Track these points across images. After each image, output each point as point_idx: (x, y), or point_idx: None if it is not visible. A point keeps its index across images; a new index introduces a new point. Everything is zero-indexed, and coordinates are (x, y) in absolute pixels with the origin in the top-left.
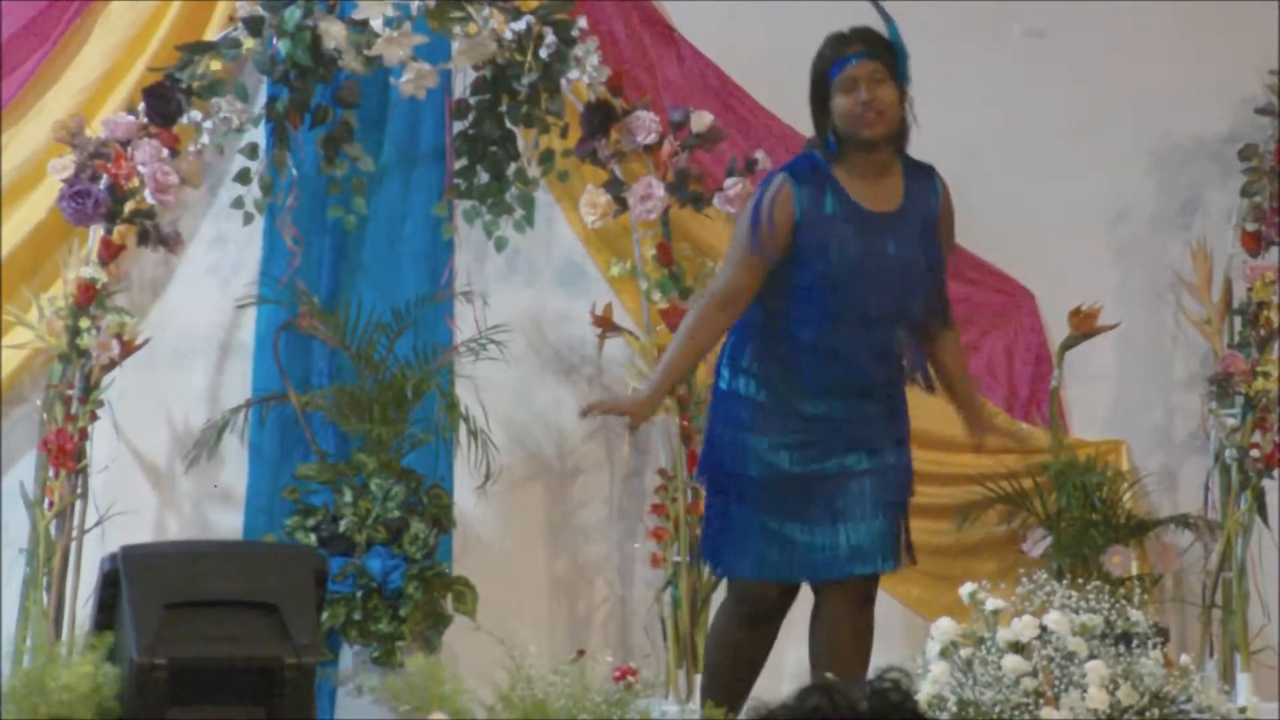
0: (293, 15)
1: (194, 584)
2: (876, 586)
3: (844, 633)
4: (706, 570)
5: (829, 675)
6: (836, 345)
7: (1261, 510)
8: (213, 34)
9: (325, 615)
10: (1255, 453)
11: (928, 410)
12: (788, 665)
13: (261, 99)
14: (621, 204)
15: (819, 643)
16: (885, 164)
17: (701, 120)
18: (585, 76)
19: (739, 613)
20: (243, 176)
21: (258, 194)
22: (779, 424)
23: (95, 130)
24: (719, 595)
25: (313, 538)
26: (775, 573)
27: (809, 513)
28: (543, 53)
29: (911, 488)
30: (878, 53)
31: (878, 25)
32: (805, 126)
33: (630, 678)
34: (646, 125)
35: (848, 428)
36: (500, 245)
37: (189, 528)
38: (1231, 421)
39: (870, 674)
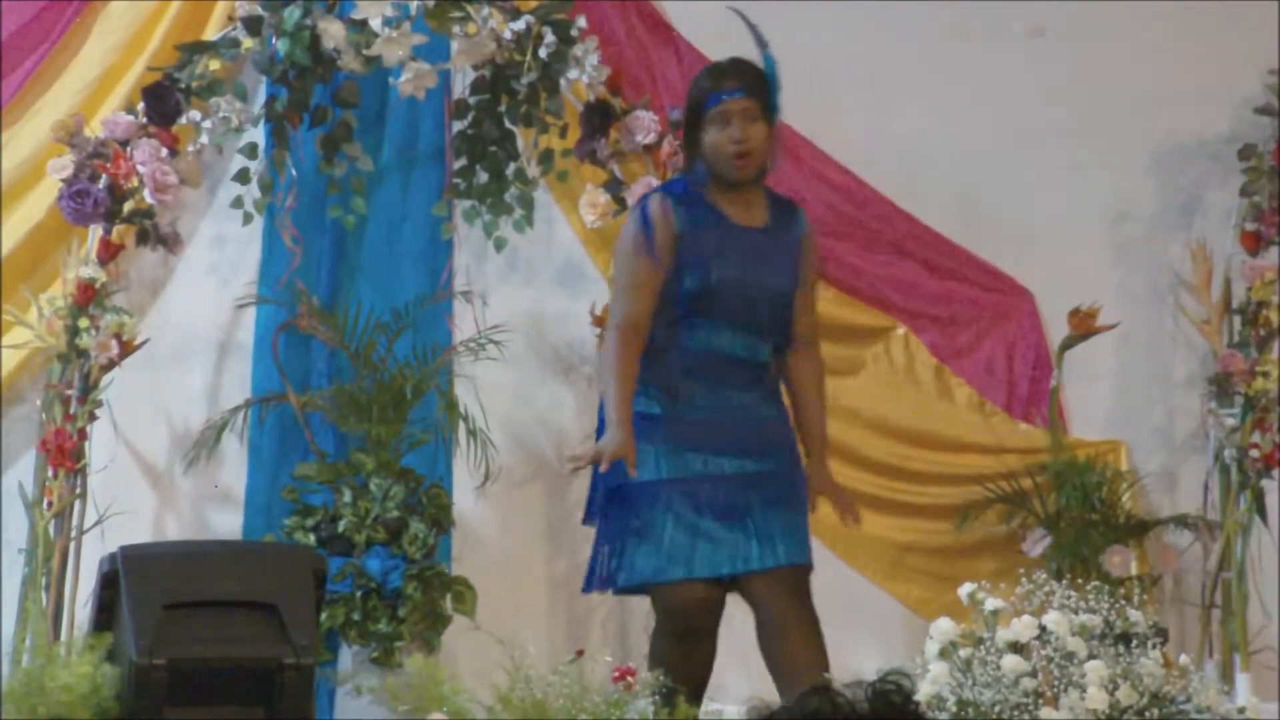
0: (292, 15)
1: (193, 584)
2: (808, 581)
3: (792, 633)
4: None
5: (791, 680)
6: (709, 349)
7: (1261, 510)
8: (212, 34)
9: (324, 615)
10: (1255, 452)
11: (928, 411)
12: None
13: (260, 99)
14: (621, 204)
15: (772, 652)
16: (750, 196)
17: None
18: (584, 76)
19: (671, 630)
20: (242, 176)
21: (257, 194)
22: (677, 431)
23: (94, 130)
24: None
25: (312, 538)
26: (704, 568)
27: (720, 508)
28: (542, 52)
29: (806, 495)
30: (753, 90)
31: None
32: (806, 127)
33: (629, 678)
34: (646, 125)
35: (742, 431)
36: (499, 245)
37: (188, 528)
38: (1231, 421)
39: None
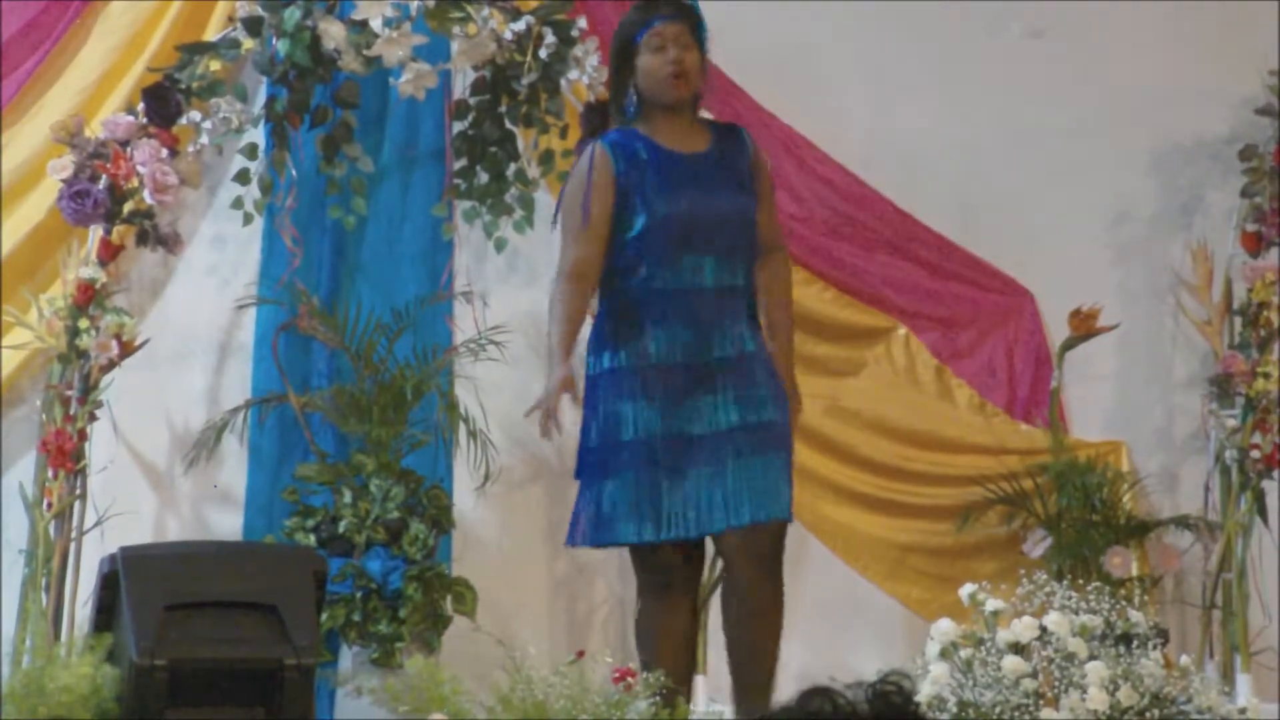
0: (292, 15)
1: (193, 585)
2: (781, 537)
3: (754, 599)
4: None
5: (737, 660)
6: (676, 286)
7: (1262, 511)
8: (212, 34)
9: (325, 616)
10: (1255, 453)
11: (929, 411)
12: (788, 665)
13: (261, 99)
14: None
15: (733, 615)
16: (687, 123)
17: None
18: (585, 77)
19: (650, 585)
20: (242, 177)
21: (257, 194)
22: (642, 384)
23: (94, 130)
24: (719, 596)
25: (312, 538)
26: (676, 529)
27: (692, 466)
28: (542, 53)
29: (790, 442)
30: (684, 16)
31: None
32: (806, 127)
33: (630, 679)
34: None
35: (707, 375)
36: (500, 246)
37: (188, 528)
38: (1232, 422)
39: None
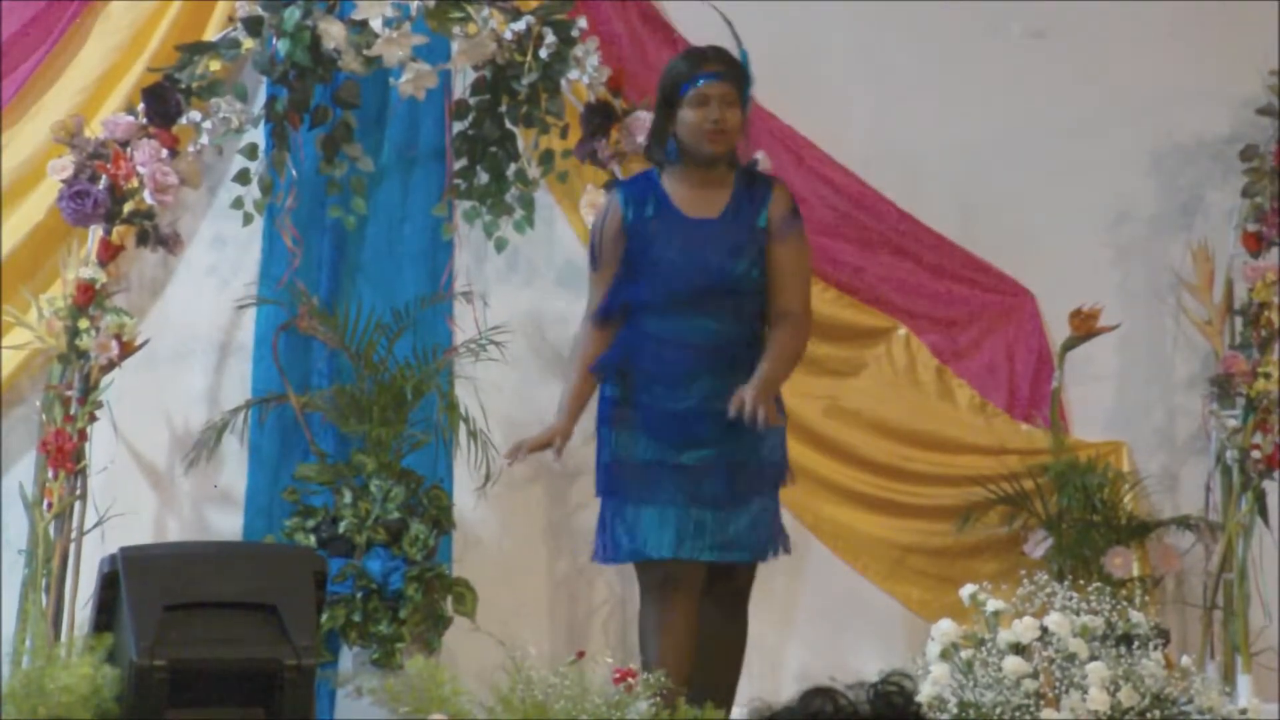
0: (292, 15)
1: (193, 585)
2: (751, 581)
3: (722, 629)
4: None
5: (705, 673)
6: (671, 336)
7: (1262, 511)
8: (212, 34)
9: (325, 617)
10: (1256, 454)
11: (929, 412)
12: (789, 666)
13: (261, 99)
14: None
15: (700, 639)
16: (719, 178)
17: None
18: (585, 77)
19: (654, 589)
20: (242, 177)
21: (257, 194)
22: (637, 419)
23: (94, 130)
24: None
25: (312, 539)
26: (690, 550)
27: (684, 498)
28: (542, 53)
29: (785, 478)
30: (732, 76)
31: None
32: (806, 126)
33: (630, 679)
34: (646, 125)
35: (702, 419)
36: (500, 246)
37: (188, 529)
38: (1233, 423)
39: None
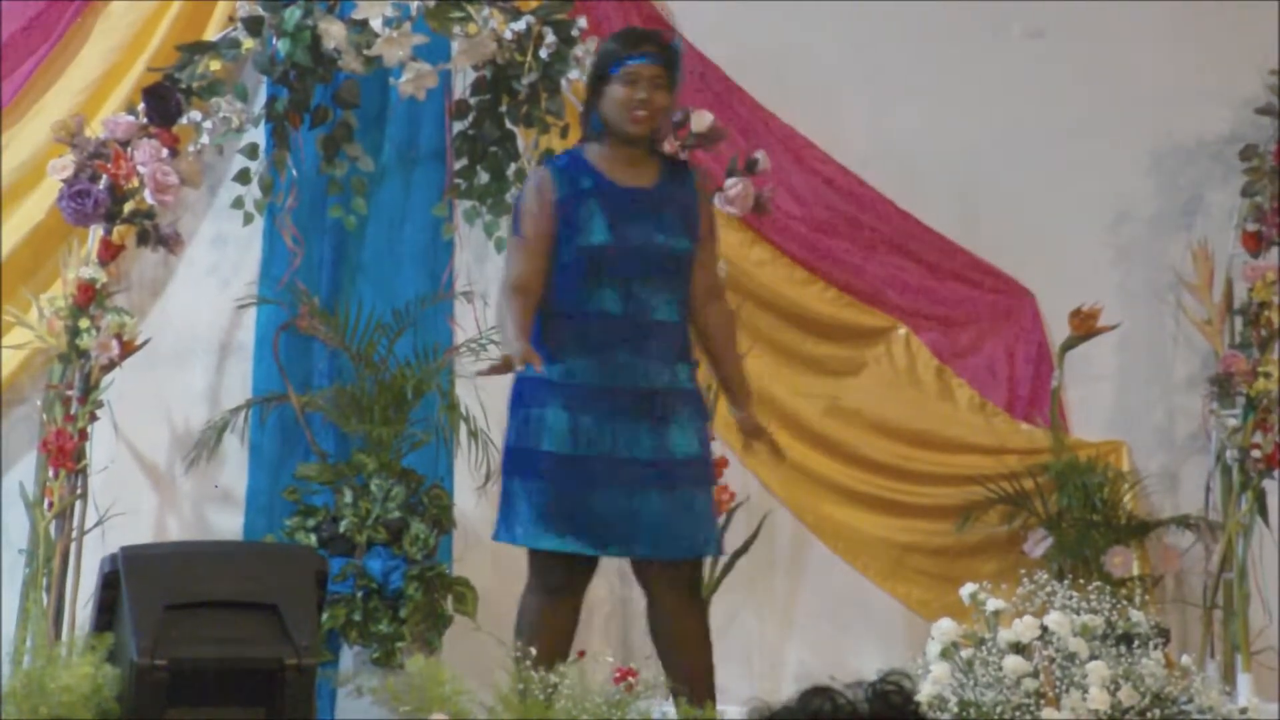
0: (292, 15)
1: (194, 585)
2: (700, 573)
3: (681, 624)
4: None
5: (678, 669)
6: (614, 314)
7: (1262, 511)
8: (212, 34)
9: (325, 616)
10: (1256, 453)
11: (929, 411)
12: (788, 665)
13: (261, 99)
14: None
15: (664, 637)
16: (640, 156)
17: (702, 120)
18: (585, 76)
19: (540, 585)
20: (242, 177)
21: (257, 194)
22: (569, 399)
23: (95, 130)
24: (720, 596)
25: (313, 538)
26: (578, 544)
27: (617, 488)
28: (543, 53)
29: (713, 476)
30: (664, 59)
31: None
32: (806, 127)
33: (631, 679)
34: None
35: (635, 402)
36: (500, 246)
37: (189, 528)
38: (1233, 422)
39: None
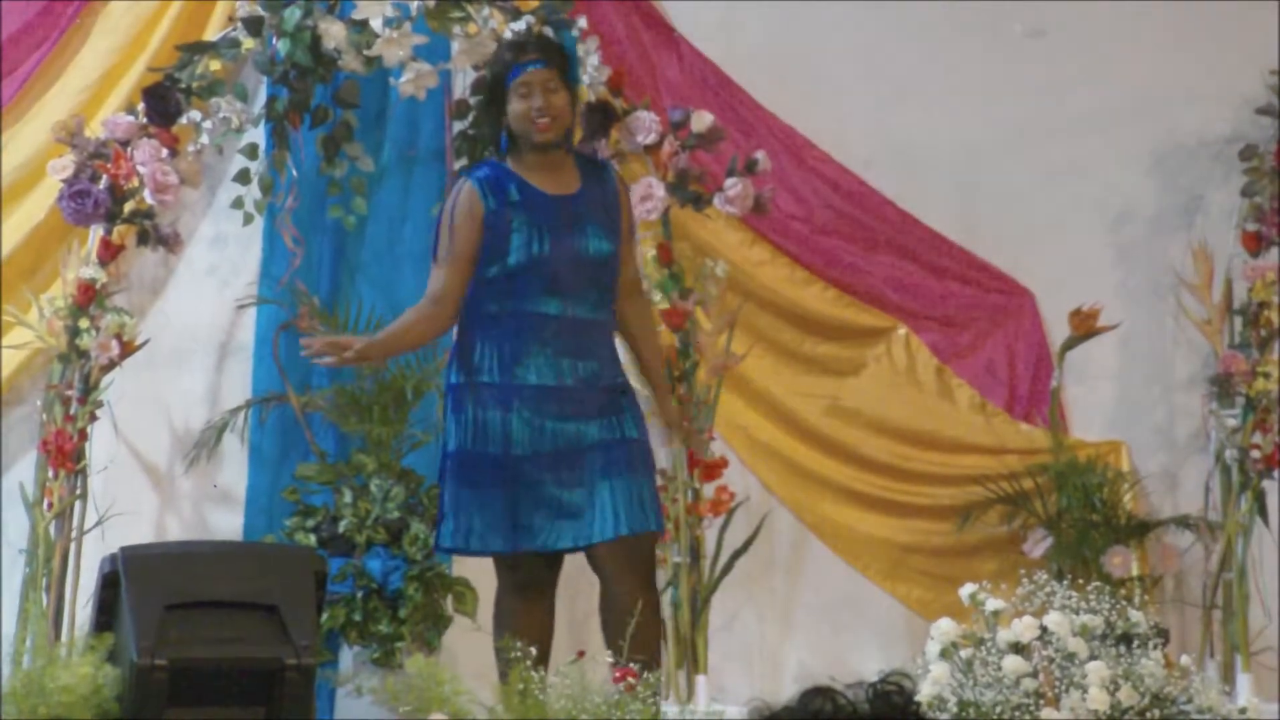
0: (292, 15)
1: (194, 585)
2: (651, 549)
3: (633, 600)
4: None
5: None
6: (546, 318)
7: (1262, 511)
8: (212, 34)
9: (325, 616)
10: (1256, 453)
11: (929, 411)
12: (788, 665)
13: (261, 99)
14: None
15: (618, 615)
16: (558, 160)
17: (702, 120)
18: (585, 77)
19: (508, 582)
20: (242, 177)
21: (257, 194)
22: (507, 400)
23: (95, 130)
24: (720, 596)
25: (312, 538)
26: (530, 542)
27: (557, 478)
28: None
29: (653, 461)
30: (552, 60)
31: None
32: (806, 127)
33: (630, 679)
34: (647, 125)
35: (576, 396)
36: None
37: (189, 528)
38: (1232, 422)
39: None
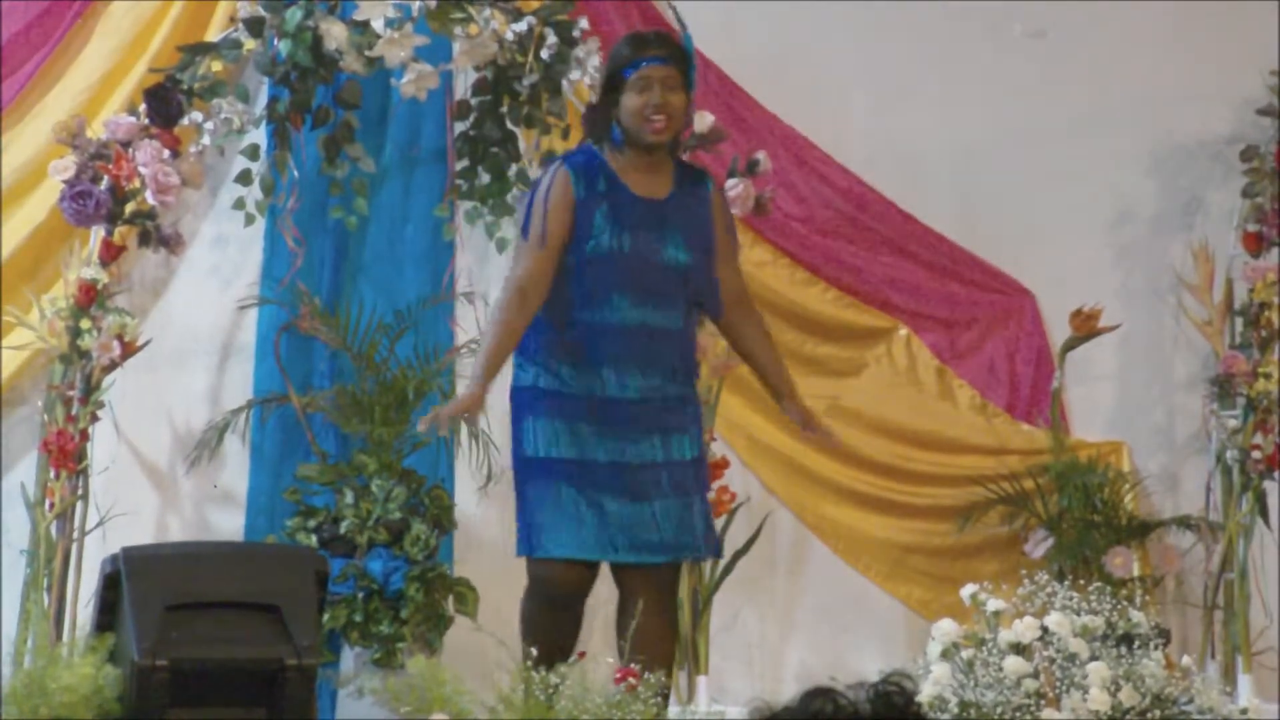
0: (294, 16)
1: (195, 585)
2: (679, 577)
3: (654, 619)
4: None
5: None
6: (616, 324)
7: (1263, 511)
8: (214, 35)
9: (326, 617)
10: (1256, 454)
11: (930, 412)
12: (789, 665)
13: (262, 100)
14: None
15: (635, 632)
16: (657, 162)
17: (703, 121)
18: (587, 77)
19: (540, 595)
20: (244, 177)
21: (259, 195)
22: (574, 409)
23: (96, 131)
24: (721, 596)
25: (314, 539)
26: (591, 550)
27: (616, 493)
28: (544, 54)
29: (708, 480)
30: (675, 59)
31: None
32: (807, 127)
33: (632, 679)
34: None
35: (644, 412)
36: (502, 246)
37: (190, 529)
38: (1233, 423)
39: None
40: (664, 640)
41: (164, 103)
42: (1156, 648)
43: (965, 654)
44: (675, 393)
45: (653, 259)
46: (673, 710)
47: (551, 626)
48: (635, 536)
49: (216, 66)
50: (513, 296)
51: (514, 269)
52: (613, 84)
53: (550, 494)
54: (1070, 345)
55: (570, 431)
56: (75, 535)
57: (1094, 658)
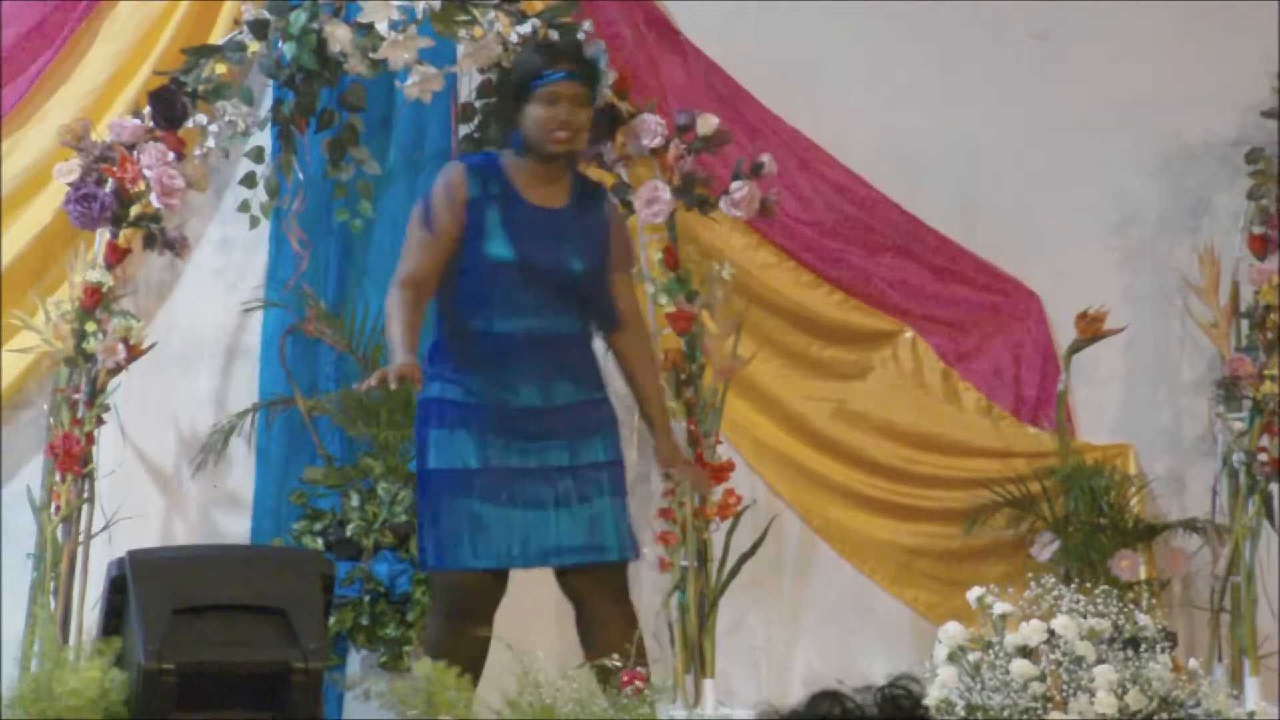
0: (298, 18)
1: (201, 588)
2: (626, 578)
3: (609, 632)
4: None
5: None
6: (517, 332)
7: (1269, 514)
8: (218, 37)
9: (332, 620)
10: (1263, 456)
11: (936, 414)
12: (796, 668)
13: (267, 102)
14: (628, 207)
15: (591, 650)
16: (555, 173)
17: (707, 123)
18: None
19: (448, 608)
20: (248, 180)
21: (264, 197)
22: (480, 419)
23: (101, 134)
24: (727, 599)
25: (320, 542)
26: (494, 559)
27: (519, 501)
28: None
29: (625, 483)
30: (585, 75)
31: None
32: (811, 130)
33: (638, 683)
34: (652, 128)
35: (554, 418)
36: None
37: (196, 532)
38: (1239, 425)
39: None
40: (619, 638)
41: (169, 105)
42: (1163, 651)
43: (972, 657)
44: (583, 398)
45: (548, 267)
46: (680, 713)
47: (458, 648)
48: (539, 543)
49: (221, 69)
50: (403, 291)
51: (401, 265)
52: (519, 92)
53: (453, 505)
54: (1076, 348)
55: (475, 442)
56: (81, 539)
57: (1101, 661)
